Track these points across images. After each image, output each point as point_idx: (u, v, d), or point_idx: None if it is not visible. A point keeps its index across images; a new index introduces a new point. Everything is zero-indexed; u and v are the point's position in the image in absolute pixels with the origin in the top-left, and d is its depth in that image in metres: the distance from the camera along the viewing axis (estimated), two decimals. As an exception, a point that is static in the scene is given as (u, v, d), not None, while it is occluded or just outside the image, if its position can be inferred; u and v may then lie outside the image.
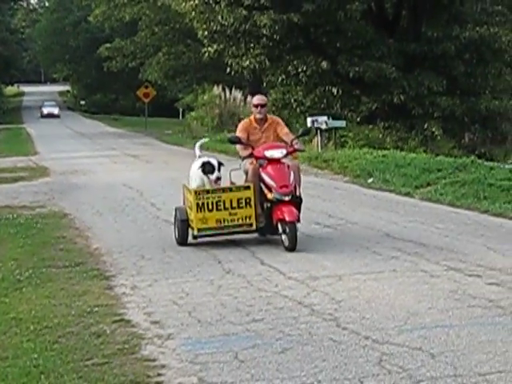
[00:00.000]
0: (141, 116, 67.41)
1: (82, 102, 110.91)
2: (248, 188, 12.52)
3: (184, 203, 13.43)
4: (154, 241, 13.40)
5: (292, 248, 11.90)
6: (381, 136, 31.68)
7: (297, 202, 12.35)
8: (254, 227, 12.59)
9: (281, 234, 12.15)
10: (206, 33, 35.32)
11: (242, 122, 13.79)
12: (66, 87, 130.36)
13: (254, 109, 13.59)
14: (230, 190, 12.58)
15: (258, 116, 13.37)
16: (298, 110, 34.88)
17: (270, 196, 12.18)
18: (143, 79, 63.70)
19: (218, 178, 12.73)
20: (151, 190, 20.80)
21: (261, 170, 12.46)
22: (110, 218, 16.51)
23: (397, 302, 8.91)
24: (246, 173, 12.91)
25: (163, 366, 6.93)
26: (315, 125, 28.69)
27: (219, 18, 33.74)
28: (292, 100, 35.33)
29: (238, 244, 12.82)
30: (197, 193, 12.47)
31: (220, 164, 12.92)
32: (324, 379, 6.50)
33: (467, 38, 35.55)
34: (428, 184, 19.44)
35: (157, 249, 12.64)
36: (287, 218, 11.85)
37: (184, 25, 47.07)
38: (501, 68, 37.91)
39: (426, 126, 34.02)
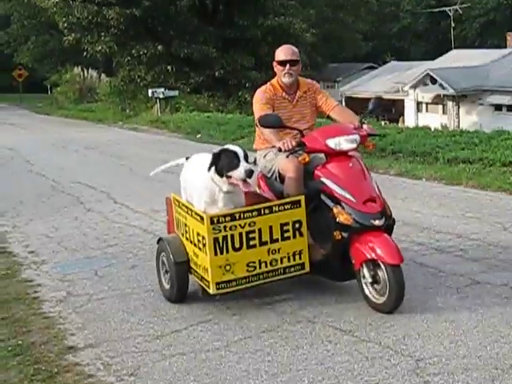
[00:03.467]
0: (16, 93, 65.00)
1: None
2: (298, 204, 5.76)
3: (170, 229, 6.78)
4: (29, 189, 12.93)
5: (394, 309, 5.51)
6: (206, 102, 31.85)
7: (391, 227, 5.81)
8: (308, 269, 5.89)
9: (365, 284, 5.64)
10: (65, 24, 34.49)
11: (261, 91, 6.48)
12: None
13: (278, 68, 6.44)
14: (270, 209, 5.69)
15: (286, 80, 6.39)
16: (141, 84, 34.64)
17: (343, 218, 5.54)
18: (17, 62, 61.27)
19: (249, 174, 5.59)
20: (27, 150, 20.04)
21: (318, 171, 5.84)
22: (-7, 173, 15.86)
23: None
24: (278, 175, 6.26)
25: (39, 285, 6.90)
26: (155, 95, 28.95)
27: (75, 12, 33.06)
28: (136, 76, 35.15)
29: (94, 188, 12.60)
30: (213, 220, 5.51)
31: (246, 154, 5.71)
32: (164, 286, 6.62)
33: (269, 26, 35.99)
34: (242, 137, 19.64)
35: (32, 195, 12.25)
36: (388, 260, 5.38)
37: (48, 18, 45.24)
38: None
39: (240, 93, 34.48)
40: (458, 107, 42.90)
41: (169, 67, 34.37)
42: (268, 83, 6.55)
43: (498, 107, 41.23)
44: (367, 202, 5.53)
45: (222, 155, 5.63)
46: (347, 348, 5.03)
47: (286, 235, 5.70)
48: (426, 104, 42.65)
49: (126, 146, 20.04)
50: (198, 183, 5.86)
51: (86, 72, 50.18)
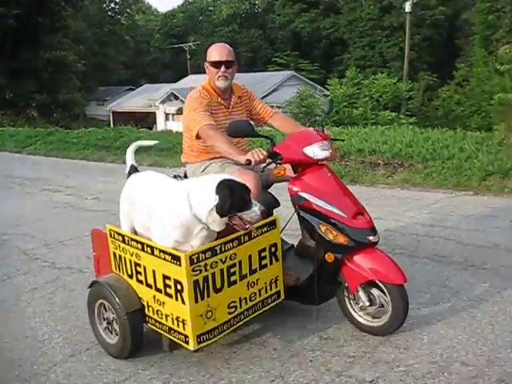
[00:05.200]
0: None
1: None
2: (273, 225, 3.57)
3: (100, 269, 3.93)
4: None
5: (396, 329, 3.59)
6: (0, 119, 29.71)
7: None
8: (283, 297, 3.70)
9: (359, 308, 3.69)
10: None
11: (195, 98, 3.86)
12: None
13: (211, 70, 3.92)
14: (249, 236, 3.38)
15: (221, 84, 3.92)
16: None
17: (334, 236, 3.45)
18: None
19: (264, 215, 3.25)
20: None
21: (293, 185, 3.61)
22: None
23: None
24: None
25: None
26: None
27: None
28: None
29: None
30: (193, 259, 3.06)
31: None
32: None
33: (48, 58, 34.71)
34: (30, 144, 18.60)
35: None
36: (393, 281, 3.39)
37: None
38: (71, 76, 37.57)
39: (28, 111, 32.90)
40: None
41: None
42: (199, 87, 4.03)
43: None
44: (357, 215, 3.51)
45: (233, 191, 3.13)
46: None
47: (263, 263, 3.59)
48: (172, 115, 43.28)
49: None
50: (166, 218, 3.23)
51: None
